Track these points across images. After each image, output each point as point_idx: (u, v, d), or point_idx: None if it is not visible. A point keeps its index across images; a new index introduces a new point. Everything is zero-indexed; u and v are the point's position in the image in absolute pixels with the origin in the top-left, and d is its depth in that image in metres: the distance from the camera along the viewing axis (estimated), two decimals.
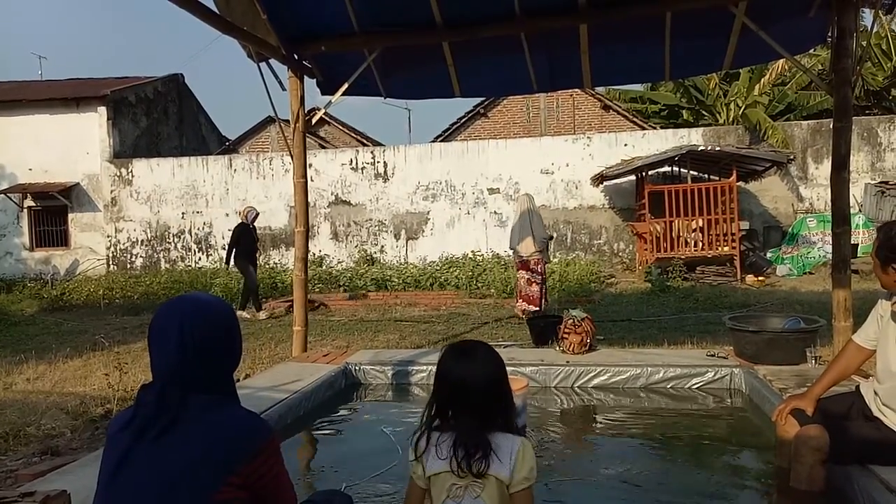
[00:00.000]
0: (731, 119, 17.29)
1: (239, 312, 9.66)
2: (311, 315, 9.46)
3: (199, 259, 17.09)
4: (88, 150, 17.73)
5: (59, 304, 12.08)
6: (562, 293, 10.63)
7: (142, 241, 17.48)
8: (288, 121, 5.80)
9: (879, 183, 13.97)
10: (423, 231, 16.19)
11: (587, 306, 8.84)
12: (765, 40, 4.74)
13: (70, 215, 17.94)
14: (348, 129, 21.45)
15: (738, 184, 13.18)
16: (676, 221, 12.94)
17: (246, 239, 9.92)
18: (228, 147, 21.23)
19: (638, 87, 20.74)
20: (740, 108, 17.04)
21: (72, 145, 17.69)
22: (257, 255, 10.42)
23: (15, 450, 3.78)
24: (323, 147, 18.92)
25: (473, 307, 10.13)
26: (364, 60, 5.53)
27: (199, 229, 17.20)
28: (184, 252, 17.26)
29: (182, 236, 17.29)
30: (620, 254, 15.47)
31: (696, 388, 4.61)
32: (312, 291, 11.63)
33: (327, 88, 6.01)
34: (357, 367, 5.16)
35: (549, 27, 5.21)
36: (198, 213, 17.20)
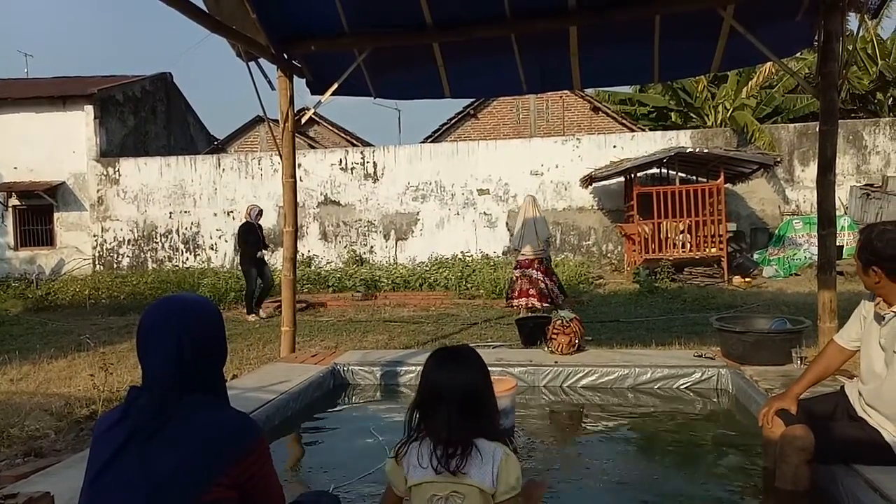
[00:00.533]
0: (718, 121, 17.42)
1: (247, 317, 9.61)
2: (300, 315, 9.47)
3: (187, 259, 16.98)
4: (75, 149, 17.56)
5: (44, 304, 11.96)
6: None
7: (129, 240, 17.34)
8: (277, 120, 5.78)
9: (864, 185, 14.13)
10: (413, 232, 16.18)
11: (576, 307, 8.87)
12: (752, 43, 4.77)
13: (56, 214, 17.77)
14: (338, 130, 21.40)
15: (726, 186, 13.28)
16: (664, 223, 13.02)
17: (252, 238, 9.69)
18: (217, 146, 21.11)
19: (627, 89, 20.86)
20: (728, 110, 17.17)
21: (58, 144, 17.51)
22: (265, 254, 10.09)
23: None
24: (312, 147, 18.86)
25: (462, 308, 10.13)
26: (354, 60, 5.52)
27: (186, 229, 17.09)
28: (171, 252, 17.14)
29: (169, 236, 17.17)
30: (609, 255, 15.54)
31: (684, 388, 4.63)
32: (301, 292, 11.59)
33: (317, 88, 5.99)
34: (345, 368, 5.15)
35: (538, 29, 5.22)
36: (185, 212, 17.08)
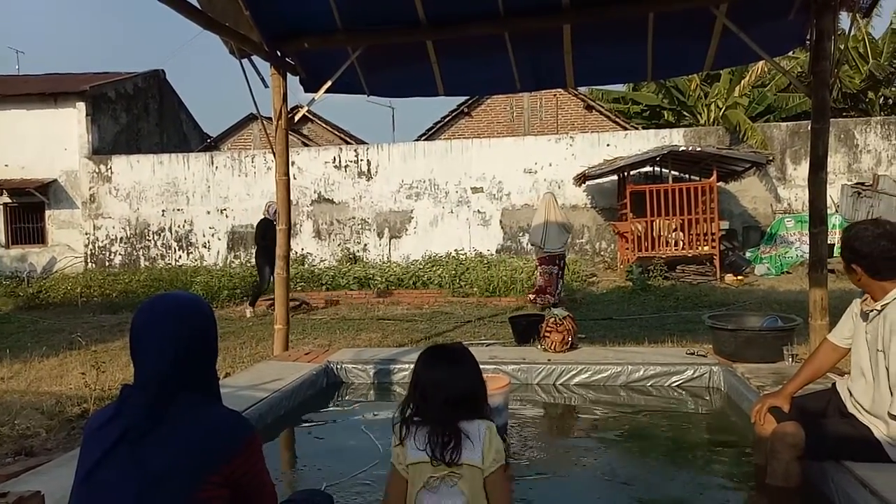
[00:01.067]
0: (711, 120, 17.49)
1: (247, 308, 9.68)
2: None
3: (180, 257, 16.92)
4: (66, 147, 17.46)
5: (35, 302, 11.88)
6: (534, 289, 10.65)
7: (121, 238, 17.26)
8: (270, 118, 5.76)
9: (856, 184, 14.22)
10: (407, 230, 16.17)
11: (569, 305, 8.88)
12: (745, 42, 4.79)
13: (47, 212, 17.67)
14: (331, 127, 21.36)
15: (719, 184, 13.34)
16: (657, 221, 13.06)
17: (270, 234, 9.07)
18: (210, 144, 21.04)
19: (620, 88, 20.91)
20: (721, 109, 17.24)
21: (49, 141, 17.41)
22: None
23: None
24: (306, 145, 18.83)
25: (456, 306, 10.13)
26: (347, 58, 5.51)
27: (179, 227, 17.03)
28: (164, 250, 17.08)
29: (162, 234, 17.10)
30: (602, 253, 15.58)
31: (676, 385, 4.65)
32: (294, 290, 11.55)
33: (310, 86, 5.98)
34: (338, 366, 5.14)
35: (532, 27, 5.22)
36: (178, 210, 17.02)
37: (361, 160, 16.34)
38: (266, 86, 5.59)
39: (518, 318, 6.50)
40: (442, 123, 19.41)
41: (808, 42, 5.04)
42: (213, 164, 16.95)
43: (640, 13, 5.02)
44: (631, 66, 5.80)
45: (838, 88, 17.27)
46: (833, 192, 13.63)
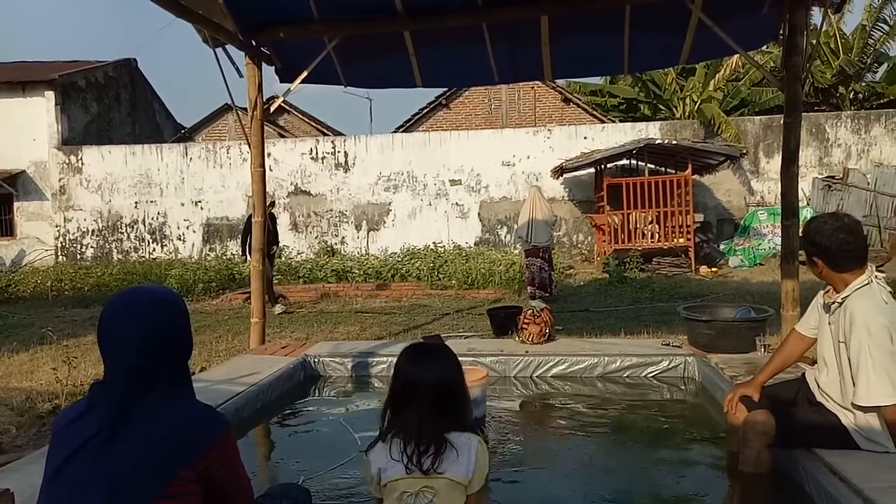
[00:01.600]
0: (687, 113, 17.66)
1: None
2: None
3: (154, 250, 16.66)
4: (35, 137, 17.06)
5: (3, 296, 11.61)
6: (521, 284, 10.71)
7: (93, 230, 16.93)
8: (246, 109, 5.68)
9: (826, 177, 14.50)
10: (385, 222, 16.11)
11: (546, 297, 8.93)
12: (720, 36, 4.84)
13: (16, 204, 17.27)
14: (308, 118, 21.15)
15: (694, 177, 13.50)
16: (634, 213, 13.18)
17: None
18: (184, 135, 20.70)
19: (597, 81, 21.01)
20: (696, 102, 17.42)
21: (17, 131, 16.99)
22: (274, 247, 9.65)
23: None
24: (282, 136, 18.62)
25: (435, 298, 10.14)
26: (324, 48, 5.45)
27: (153, 219, 16.76)
28: (137, 242, 16.80)
29: (135, 226, 16.82)
30: (580, 245, 15.70)
31: (652, 376, 4.71)
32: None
33: (286, 76, 5.90)
34: (316, 360, 5.11)
35: (510, 18, 5.21)
36: (152, 202, 16.74)
37: (339, 152, 16.22)
38: (241, 75, 5.51)
39: (496, 310, 6.52)
40: (420, 115, 19.33)
41: (780, 37, 5.11)
42: (187, 155, 16.69)
43: (618, 6, 5.04)
44: (608, 58, 5.83)
45: (810, 83, 17.56)
46: (805, 186, 13.88)
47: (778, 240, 11.26)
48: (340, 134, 19.37)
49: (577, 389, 4.58)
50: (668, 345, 5.04)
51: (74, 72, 17.96)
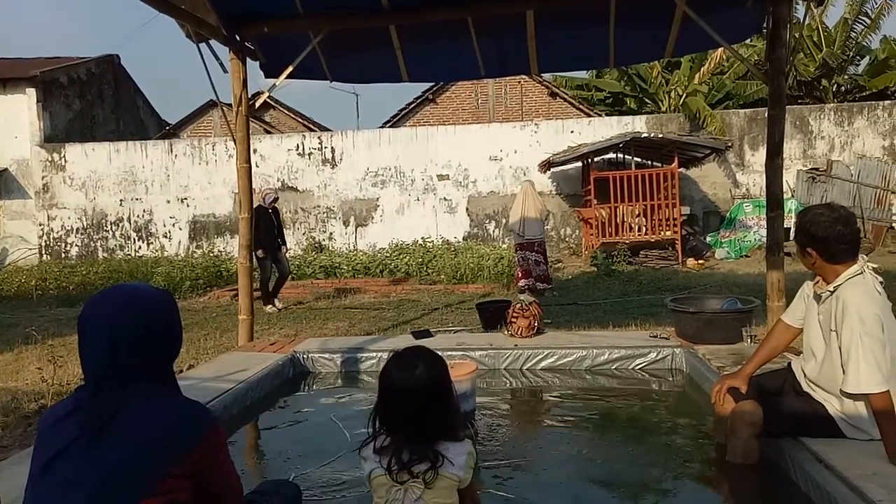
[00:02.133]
0: (672, 107, 17.75)
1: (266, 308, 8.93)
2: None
3: (140, 248, 16.51)
4: (17, 135, 16.81)
5: None
6: (510, 278, 10.74)
7: (77, 229, 16.74)
8: (231, 104, 5.63)
9: (810, 170, 14.64)
10: (373, 218, 16.07)
11: (535, 291, 8.96)
12: (704, 29, 4.86)
13: None
14: (294, 114, 21.03)
15: (680, 170, 13.58)
16: (621, 207, 13.24)
17: (263, 223, 8.77)
18: (169, 132, 20.50)
19: (584, 75, 21.06)
20: (681, 96, 17.51)
21: None
22: (283, 247, 9.43)
23: None
24: (268, 132, 18.50)
25: (423, 293, 10.13)
26: (309, 43, 5.41)
27: (138, 217, 16.60)
28: (122, 241, 16.64)
29: (121, 224, 16.65)
30: (567, 239, 15.75)
31: (640, 368, 4.74)
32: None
33: (271, 71, 5.85)
34: (305, 356, 5.10)
35: (496, 12, 5.21)
36: (137, 199, 16.58)
37: (326, 147, 16.14)
38: (225, 71, 5.46)
39: (485, 304, 6.53)
40: (407, 110, 19.27)
41: (764, 30, 5.14)
42: (172, 151, 16.53)
43: (602, 0, 5.04)
44: (594, 52, 5.84)
45: (793, 76, 17.70)
46: (789, 178, 13.99)
47: (763, 231, 11.32)
48: (327, 129, 19.28)
49: (565, 382, 4.60)
50: (655, 337, 5.07)
51: (56, 68, 17.70)
